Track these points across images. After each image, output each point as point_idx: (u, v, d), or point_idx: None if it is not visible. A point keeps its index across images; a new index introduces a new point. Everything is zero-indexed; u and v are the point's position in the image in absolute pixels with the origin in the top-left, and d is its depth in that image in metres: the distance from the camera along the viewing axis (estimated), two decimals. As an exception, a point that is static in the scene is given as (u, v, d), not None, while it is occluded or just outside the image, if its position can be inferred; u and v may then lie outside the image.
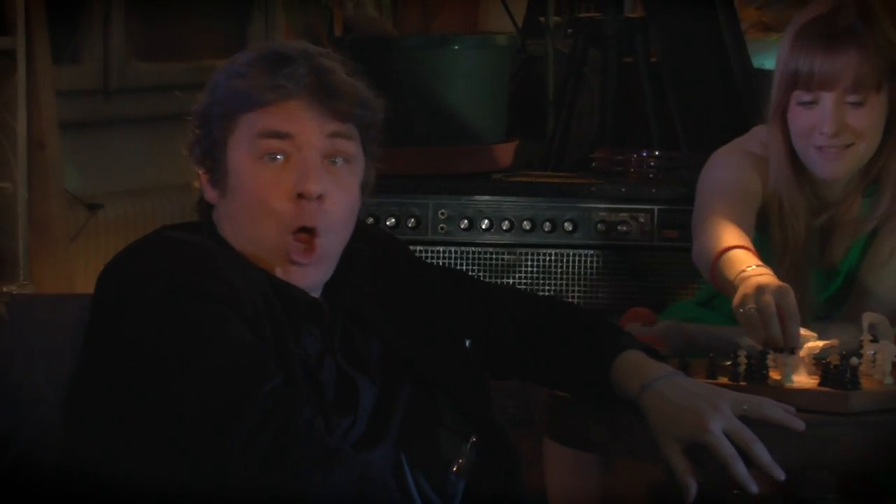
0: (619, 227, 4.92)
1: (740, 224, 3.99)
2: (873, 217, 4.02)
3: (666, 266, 4.72)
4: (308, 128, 3.06)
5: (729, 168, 4.27)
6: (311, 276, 3.09)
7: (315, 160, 3.06)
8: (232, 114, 3.07)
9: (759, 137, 4.19)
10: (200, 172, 3.11)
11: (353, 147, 3.09)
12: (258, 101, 3.05)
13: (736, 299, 3.39)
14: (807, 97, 3.89)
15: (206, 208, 3.16)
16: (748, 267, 3.52)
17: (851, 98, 3.88)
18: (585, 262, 4.97)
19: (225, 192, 3.09)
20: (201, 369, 2.88)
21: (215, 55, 5.79)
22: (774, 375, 3.34)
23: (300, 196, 3.04)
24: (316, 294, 3.11)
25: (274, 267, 3.07)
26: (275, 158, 3.05)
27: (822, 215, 4.10)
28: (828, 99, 3.89)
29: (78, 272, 4.92)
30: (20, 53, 4.78)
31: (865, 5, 3.98)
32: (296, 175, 3.05)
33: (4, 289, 4.61)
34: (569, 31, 5.26)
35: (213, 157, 3.10)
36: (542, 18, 5.38)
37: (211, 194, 3.11)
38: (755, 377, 3.34)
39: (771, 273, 3.50)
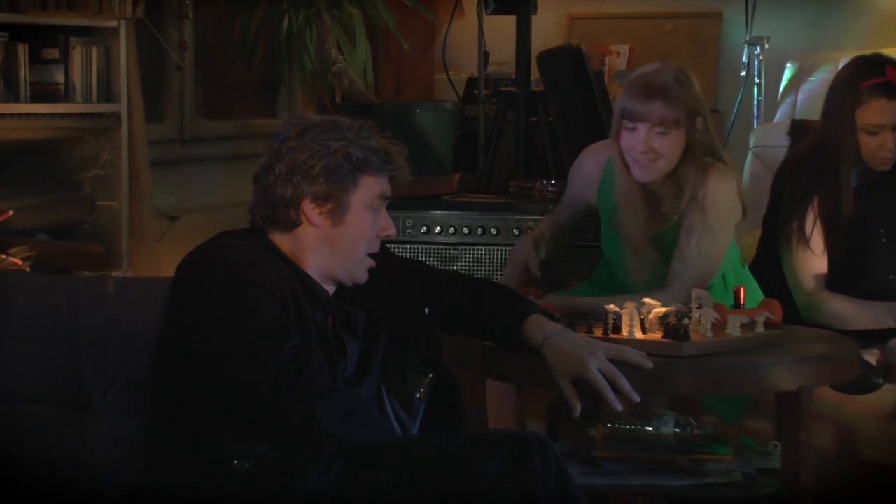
0: (527, 231, 4.67)
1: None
2: (676, 211, 4.03)
3: (560, 258, 4.46)
4: (390, 193, 3.21)
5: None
6: (366, 279, 3.25)
7: (385, 213, 3.23)
8: (364, 173, 3.15)
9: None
10: (309, 203, 3.14)
11: None
12: (384, 171, 3.17)
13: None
14: (630, 125, 3.97)
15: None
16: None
17: (658, 129, 3.94)
18: (505, 255, 4.78)
19: (340, 224, 3.16)
20: (245, 331, 2.95)
21: (253, 116, 5.90)
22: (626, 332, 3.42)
23: (386, 234, 3.22)
24: (331, 286, 3.23)
25: (352, 275, 3.19)
26: (378, 210, 3.19)
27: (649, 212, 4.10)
28: (643, 128, 3.95)
29: (162, 263, 5.01)
30: (123, 115, 4.86)
31: (678, 72, 3.98)
32: (384, 221, 3.21)
33: (112, 273, 4.62)
34: (494, 99, 5.18)
35: (337, 197, 3.15)
36: (475, 91, 5.40)
37: (320, 221, 3.15)
38: (618, 332, 3.41)
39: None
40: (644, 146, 3.96)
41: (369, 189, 3.15)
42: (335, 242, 3.17)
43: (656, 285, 4.02)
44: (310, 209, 3.15)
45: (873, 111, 4.15)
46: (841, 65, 4.94)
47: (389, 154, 3.18)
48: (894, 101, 4.15)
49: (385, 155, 3.17)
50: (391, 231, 3.21)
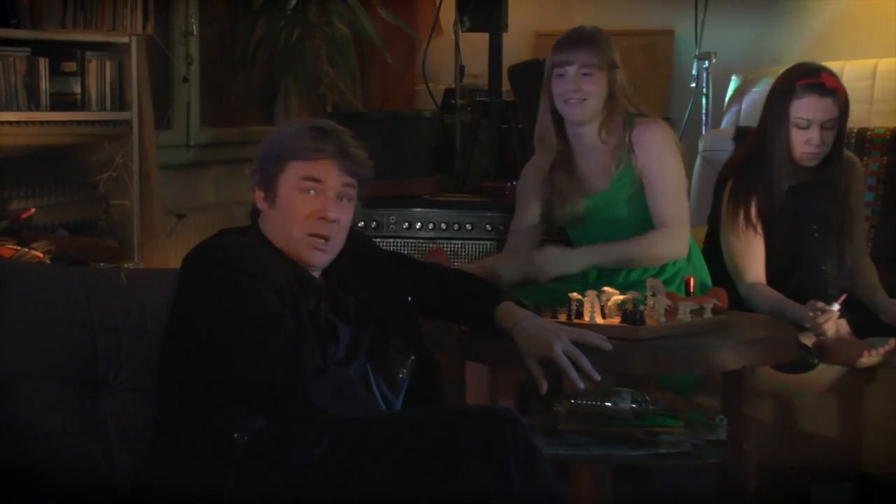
0: (499, 227, 4.76)
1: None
2: (620, 164, 4.13)
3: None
4: (331, 178, 3.18)
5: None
6: (322, 260, 3.21)
7: (332, 198, 3.18)
8: (286, 159, 3.18)
9: None
10: (257, 190, 3.23)
11: (353, 192, 3.23)
12: (305, 156, 3.17)
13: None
14: (560, 71, 4.10)
15: (255, 214, 3.24)
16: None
17: (584, 71, 4.08)
18: (479, 248, 4.82)
19: (273, 205, 3.20)
20: (245, 319, 2.99)
21: (252, 124, 5.85)
22: (588, 317, 3.43)
23: (321, 218, 3.16)
24: (318, 272, 3.24)
25: (299, 254, 3.17)
26: (309, 192, 3.17)
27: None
28: (571, 70, 4.09)
29: (170, 256, 4.98)
30: (135, 122, 4.81)
31: (596, 29, 4.14)
32: (319, 204, 3.16)
33: (125, 265, 4.50)
34: (469, 108, 5.17)
35: (268, 183, 3.21)
36: (452, 101, 5.40)
37: (263, 205, 3.22)
38: (580, 318, 3.43)
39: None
40: (573, 86, 4.07)
41: (294, 173, 3.16)
42: (276, 223, 3.19)
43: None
44: (258, 196, 3.21)
45: (804, 106, 4.17)
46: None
47: (316, 141, 3.17)
48: (825, 100, 4.17)
49: (306, 142, 3.17)
50: (326, 213, 3.15)
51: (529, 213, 4.28)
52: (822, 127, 4.18)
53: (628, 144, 4.13)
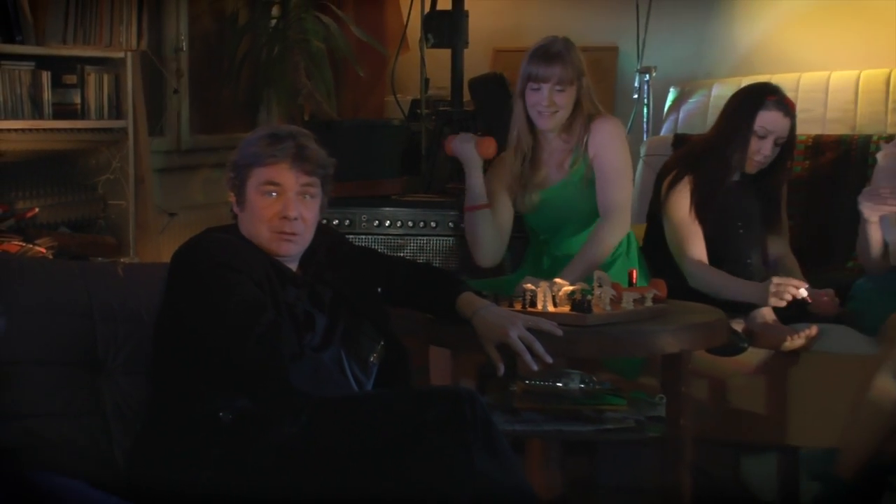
0: (460, 225, 4.60)
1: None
2: (576, 159, 4.16)
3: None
4: (289, 180, 3.15)
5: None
6: (293, 250, 3.19)
7: (292, 198, 3.15)
8: (250, 166, 3.16)
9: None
10: (231, 194, 3.23)
11: (316, 190, 3.20)
12: (263, 162, 3.15)
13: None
14: (535, 86, 4.12)
15: (235, 215, 3.23)
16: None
17: (557, 87, 4.10)
18: (443, 244, 4.74)
19: (244, 209, 3.19)
20: (229, 308, 2.99)
21: (237, 130, 5.64)
22: (540, 306, 3.43)
23: (284, 217, 3.14)
24: (294, 265, 3.23)
25: (271, 248, 3.15)
26: (270, 195, 3.15)
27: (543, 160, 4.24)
28: (545, 87, 4.11)
29: (163, 251, 4.93)
30: (130, 130, 4.79)
31: (567, 41, 4.15)
32: (281, 205, 3.14)
33: (121, 260, 4.58)
34: (433, 117, 5.07)
35: (238, 188, 3.20)
36: (418, 111, 5.30)
37: (236, 208, 3.22)
38: (534, 306, 3.42)
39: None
40: (547, 101, 4.09)
41: (256, 178, 3.14)
42: (248, 223, 3.17)
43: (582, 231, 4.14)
44: (231, 198, 3.21)
45: (770, 118, 4.21)
46: (714, 90, 5.11)
47: (272, 147, 3.14)
48: (786, 118, 4.23)
49: (264, 149, 3.15)
50: (288, 213, 3.12)
51: (501, 208, 4.28)
52: (775, 141, 4.24)
53: (585, 141, 4.15)
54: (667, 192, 4.30)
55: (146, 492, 2.94)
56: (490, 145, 4.31)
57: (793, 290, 4.02)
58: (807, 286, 4.05)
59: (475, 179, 4.29)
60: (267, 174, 3.14)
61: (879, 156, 4.14)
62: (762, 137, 4.23)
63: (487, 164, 4.38)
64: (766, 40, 5.43)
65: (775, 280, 4.04)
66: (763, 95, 4.26)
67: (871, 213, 4.11)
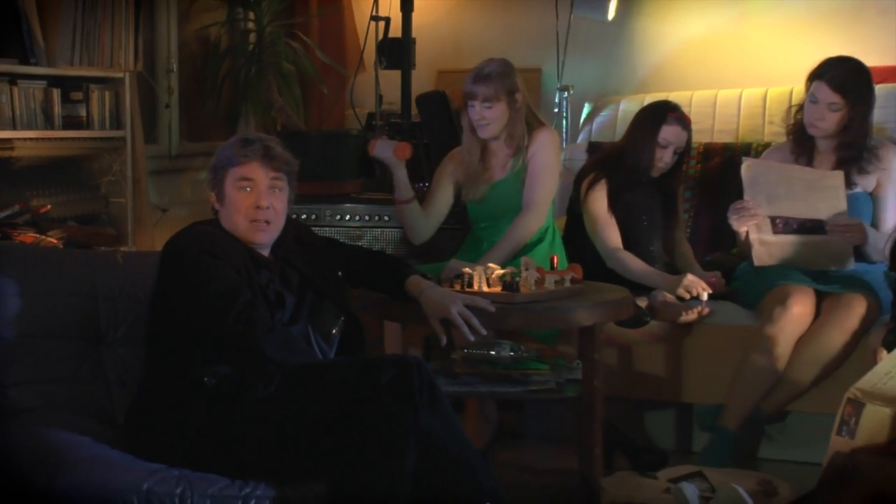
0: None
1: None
2: (516, 162, 4.13)
3: (433, 239, 4.38)
4: (260, 175, 3.12)
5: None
6: (266, 239, 3.15)
7: (263, 191, 3.12)
8: (226, 167, 3.14)
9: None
10: (212, 194, 3.19)
11: (283, 184, 3.16)
12: (236, 162, 3.12)
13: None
14: (471, 103, 4.10)
15: (215, 210, 3.19)
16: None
17: (485, 104, 4.08)
18: (394, 234, 4.70)
19: (223, 205, 3.16)
20: (212, 289, 2.97)
21: (219, 139, 5.17)
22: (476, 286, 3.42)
23: (258, 207, 3.11)
24: (266, 251, 3.18)
25: (247, 237, 3.12)
26: (245, 189, 3.12)
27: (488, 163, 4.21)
28: (476, 103, 4.09)
29: (156, 241, 4.88)
30: (128, 138, 4.75)
31: (501, 63, 4.11)
32: (254, 198, 3.11)
33: (121, 248, 4.55)
34: (386, 128, 4.99)
35: (217, 187, 3.17)
36: (374, 122, 5.23)
37: (217, 205, 3.18)
38: (471, 287, 3.41)
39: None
40: (478, 115, 4.08)
41: (232, 177, 3.11)
42: (227, 216, 3.14)
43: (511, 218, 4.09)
44: (212, 197, 3.17)
45: (671, 131, 4.20)
46: (621, 105, 5.10)
47: (243, 149, 3.12)
48: (684, 132, 4.23)
49: (237, 151, 3.12)
50: (260, 203, 3.09)
51: (443, 192, 4.27)
52: (675, 150, 4.24)
53: (526, 147, 4.12)
54: (586, 191, 4.28)
55: (142, 446, 2.91)
56: (405, 149, 4.30)
57: (699, 290, 4.07)
58: (710, 291, 4.08)
59: (399, 179, 4.27)
60: (241, 172, 3.11)
61: (742, 169, 4.10)
62: (664, 147, 4.22)
63: (434, 164, 4.36)
64: (665, 63, 5.44)
65: (690, 277, 4.09)
66: (665, 112, 4.24)
67: (738, 225, 4.10)
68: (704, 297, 4.07)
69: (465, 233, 4.44)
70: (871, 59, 4.19)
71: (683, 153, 4.32)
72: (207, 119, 5.62)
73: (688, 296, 4.09)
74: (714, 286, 4.14)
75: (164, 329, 3.04)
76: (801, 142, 4.17)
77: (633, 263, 4.20)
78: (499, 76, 4.07)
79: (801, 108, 4.16)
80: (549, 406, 4.29)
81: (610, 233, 4.24)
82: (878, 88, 4.13)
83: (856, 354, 3.86)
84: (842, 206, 4.00)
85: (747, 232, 4.09)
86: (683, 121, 4.26)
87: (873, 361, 3.31)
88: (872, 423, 3.17)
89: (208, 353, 2.95)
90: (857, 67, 4.05)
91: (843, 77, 4.01)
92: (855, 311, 3.88)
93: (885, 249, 3.57)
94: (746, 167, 4.10)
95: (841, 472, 3.15)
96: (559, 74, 5.30)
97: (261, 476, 2.80)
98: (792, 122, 4.22)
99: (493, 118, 4.09)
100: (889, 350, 3.26)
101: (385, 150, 4.32)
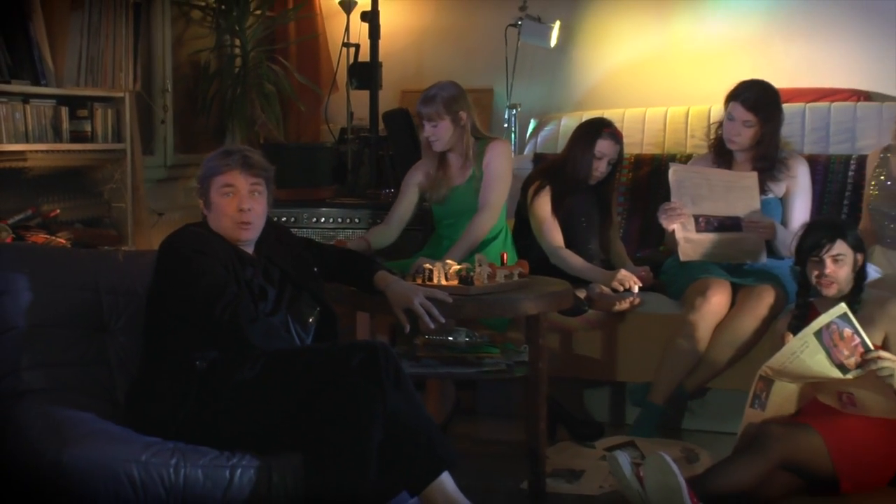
0: (376, 220, 4.54)
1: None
2: (469, 170, 4.07)
3: (401, 238, 4.21)
4: (240, 182, 3.08)
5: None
6: (249, 237, 3.11)
7: (245, 195, 3.08)
8: (211, 176, 3.11)
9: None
10: (200, 201, 3.16)
11: (262, 188, 3.12)
12: (219, 171, 3.09)
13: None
14: (421, 121, 4.05)
15: (204, 216, 3.16)
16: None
17: (431, 123, 4.01)
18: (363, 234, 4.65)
19: (210, 210, 3.13)
20: (203, 283, 2.95)
21: (209, 150, 5.43)
22: (437, 280, 3.40)
23: (240, 210, 3.07)
24: (250, 249, 3.15)
25: (233, 236, 3.09)
26: (228, 195, 3.08)
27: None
28: (425, 122, 4.02)
29: (154, 241, 4.71)
30: (128, 151, 4.72)
31: (448, 85, 4.04)
32: (237, 201, 3.07)
33: (122, 248, 4.48)
34: (356, 141, 5.18)
35: (204, 195, 3.13)
36: (346, 136, 5.28)
37: (205, 211, 3.14)
38: (431, 280, 3.38)
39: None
40: (427, 132, 4.02)
41: (216, 184, 3.08)
42: (214, 220, 3.11)
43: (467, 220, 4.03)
44: (201, 203, 3.14)
45: (605, 145, 4.17)
46: (563, 121, 5.08)
47: (224, 159, 3.09)
48: (616, 145, 4.20)
49: (219, 162, 3.09)
50: (242, 205, 3.06)
51: (409, 197, 4.17)
52: (609, 162, 4.21)
53: (474, 157, 4.06)
54: (532, 197, 4.24)
55: (141, 422, 2.89)
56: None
57: (631, 283, 4.05)
58: (640, 284, 4.06)
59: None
60: (224, 179, 3.07)
61: (669, 174, 4.09)
62: (599, 159, 4.20)
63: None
64: (600, 84, 5.44)
65: (623, 272, 4.07)
66: (600, 128, 4.21)
67: (667, 223, 4.08)
68: (635, 289, 4.07)
69: (425, 234, 4.40)
70: (779, 82, 4.23)
71: (617, 163, 4.29)
72: (198, 133, 5.60)
73: (621, 288, 4.08)
74: (644, 279, 4.13)
75: (160, 319, 3.01)
76: (721, 154, 4.20)
77: (574, 260, 4.17)
78: (442, 98, 4.00)
79: (720, 125, 4.18)
80: (500, 385, 4.26)
81: (553, 233, 4.21)
82: (786, 107, 4.17)
83: (766, 338, 3.86)
84: (756, 204, 4.02)
85: (674, 230, 4.07)
86: (616, 135, 4.24)
87: (781, 343, 3.33)
88: (780, 397, 3.33)
89: (199, 340, 2.92)
90: (767, 89, 4.09)
91: (755, 98, 4.04)
92: (765, 300, 3.89)
93: (791, 246, 3.59)
94: (673, 172, 4.10)
95: (753, 441, 3.25)
96: (508, 94, 5.30)
97: (246, 448, 2.79)
98: (713, 136, 4.24)
99: (440, 134, 4.03)
100: (794, 333, 3.28)
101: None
